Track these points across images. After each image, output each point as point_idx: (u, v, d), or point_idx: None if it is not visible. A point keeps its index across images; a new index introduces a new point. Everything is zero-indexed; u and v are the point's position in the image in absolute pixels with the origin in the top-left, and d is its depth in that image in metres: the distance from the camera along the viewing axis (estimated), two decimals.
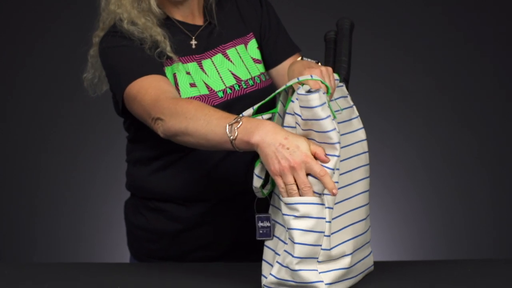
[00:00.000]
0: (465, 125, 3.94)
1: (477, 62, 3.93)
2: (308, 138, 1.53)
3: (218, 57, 1.94)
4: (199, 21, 1.97)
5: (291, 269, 1.49)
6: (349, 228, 1.58)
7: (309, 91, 1.52)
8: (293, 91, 1.58)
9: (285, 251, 1.51)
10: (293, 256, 1.49)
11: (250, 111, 1.61)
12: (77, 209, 3.91)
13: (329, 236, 1.51)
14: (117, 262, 2.06)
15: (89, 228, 3.87)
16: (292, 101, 1.55)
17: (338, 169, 1.52)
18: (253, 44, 2.00)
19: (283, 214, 1.50)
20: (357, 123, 1.66)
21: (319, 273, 1.50)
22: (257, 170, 1.59)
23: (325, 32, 1.92)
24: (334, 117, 1.54)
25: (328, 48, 1.86)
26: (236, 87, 1.92)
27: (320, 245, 1.50)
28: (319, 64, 1.78)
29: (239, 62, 1.96)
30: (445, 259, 2.59)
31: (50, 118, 3.91)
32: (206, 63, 1.93)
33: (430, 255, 3.83)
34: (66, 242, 3.90)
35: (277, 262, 1.52)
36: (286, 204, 1.50)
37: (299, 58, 1.91)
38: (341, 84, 1.68)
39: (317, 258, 1.50)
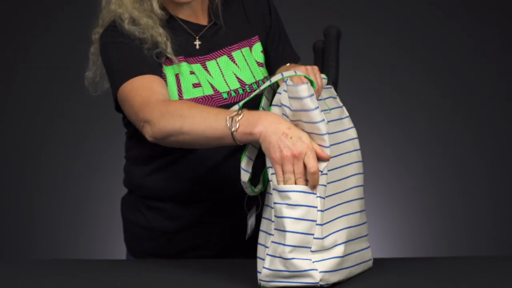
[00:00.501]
0: (466, 123, 3.94)
1: (478, 61, 3.94)
2: None
3: (224, 59, 1.93)
4: (202, 20, 1.95)
5: (284, 258, 1.50)
6: (342, 218, 1.59)
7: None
8: (278, 86, 1.60)
9: (272, 242, 1.52)
10: (284, 245, 1.50)
11: (235, 107, 1.62)
12: (76, 206, 3.91)
13: (321, 225, 1.51)
14: (117, 259, 2.06)
15: (89, 225, 3.88)
16: (279, 93, 1.57)
17: (326, 173, 1.54)
18: (257, 47, 1.98)
19: (275, 203, 1.51)
20: (348, 123, 1.68)
21: (313, 262, 1.51)
22: (243, 164, 1.61)
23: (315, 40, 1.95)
24: (330, 109, 1.58)
25: (317, 56, 1.90)
26: (240, 91, 1.91)
27: (312, 234, 1.51)
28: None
29: (244, 66, 1.94)
30: (445, 256, 2.59)
31: (49, 116, 3.91)
32: (211, 64, 1.92)
33: (430, 252, 3.83)
34: (65, 239, 3.90)
35: (267, 254, 1.53)
36: (279, 191, 1.51)
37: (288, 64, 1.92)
38: (329, 86, 1.71)
39: (310, 247, 1.51)
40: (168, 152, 1.89)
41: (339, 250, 1.55)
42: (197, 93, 1.87)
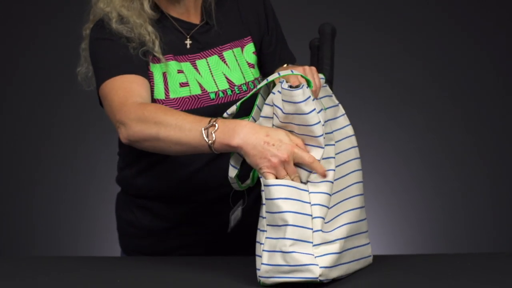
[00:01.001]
0: (466, 122, 3.94)
1: (479, 60, 3.93)
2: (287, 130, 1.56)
3: (214, 59, 1.91)
4: (194, 19, 1.93)
5: (284, 252, 1.50)
6: (343, 215, 1.60)
7: (291, 87, 1.55)
8: (274, 85, 1.61)
9: (267, 238, 1.52)
10: (285, 238, 1.50)
11: (233, 108, 1.63)
12: (76, 204, 3.91)
13: (320, 218, 1.52)
14: (116, 256, 2.06)
15: (88, 223, 3.87)
16: (273, 93, 1.57)
17: (334, 157, 1.57)
18: (249, 48, 1.96)
19: (267, 199, 1.52)
20: (344, 121, 1.69)
21: (315, 257, 1.51)
22: (232, 160, 1.62)
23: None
24: (325, 109, 1.59)
25: (313, 54, 1.90)
26: (229, 92, 1.89)
27: (311, 228, 1.51)
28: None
29: (235, 66, 1.92)
30: (445, 253, 2.60)
31: (48, 113, 3.91)
32: (201, 63, 1.90)
33: (430, 249, 3.83)
34: (65, 237, 3.90)
35: (263, 250, 1.53)
36: (266, 186, 1.52)
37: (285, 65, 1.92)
38: (324, 84, 1.72)
39: (311, 242, 1.51)
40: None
41: (337, 246, 1.56)
42: (184, 92, 1.86)
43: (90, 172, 3.89)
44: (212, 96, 1.87)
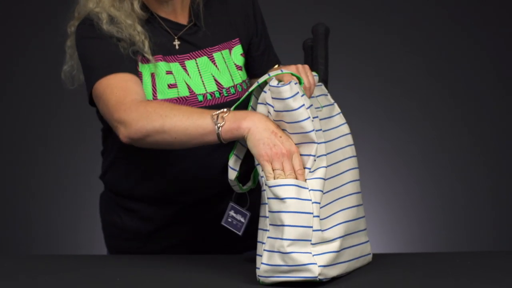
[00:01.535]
0: (466, 120, 3.94)
1: (479, 59, 3.93)
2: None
3: (203, 60, 1.90)
4: (182, 19, 1.91)
5: (282, 252, 1.50)
6: (340, 213, 1.60)
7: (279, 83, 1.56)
8: (266, 84, 1.61)
9: (268, 237, 1.52)
10: (283, 239, 1.50)
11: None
12: (75, 202, 3.91)
13: (318, 216, 1.52)
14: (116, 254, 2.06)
15: (88, 221, 3.87)
16: (265, 92, 1.58)
17: (325, 154, 1.57)
18: (237, 49, 1.95)
19: (268, 198, 1.52)
20: (339, 119, 1.70)
21: (313, 255, 1.51)
22: (231, 162, 1.63)
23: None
24: (321, 107, 1.61)
25: (307, 55, 1.91)
26: (217, 94, 1.88)
27: (311, 227, 1.51)
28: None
29: (224, 68, 1.91)
30: (444, 251, 2.60)
31: (47, 112, 3.91)
32: (190, 64, 1.89)
33: (430, 248, 3.83)
34: (64, 235, 3.90)
35: (264, 250, 1.53)
36: (271, 187, 1.51)
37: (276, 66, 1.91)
38: (319, 83, 1.72)
39: (310, 240, 1.51)
40: (143, 150, 1.86)
41: (335, 245, 1.56)
42: (172, 94, 1.85)
43: (90, 171, 3.87)
44: (200, 98, 1.86)
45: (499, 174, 3.92)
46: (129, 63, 1.81)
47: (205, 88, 1.87)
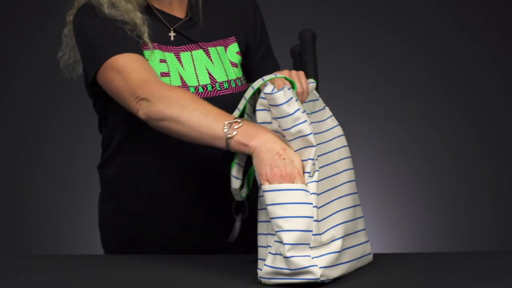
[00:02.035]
0: (467, 119, 3.94)
1: (479, 59, 3.94)
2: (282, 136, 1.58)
3: (199, 53, 1.90)
4: (177, 13, 1.92)
5: (284, 257, 1.50)
6: (338, 214, 1.60)
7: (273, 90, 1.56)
8: (261, 91, 1.62)
9: (275, 241, 1.52)
10: (283, 243, 1.50)
11: (235, 113, 1.63)
12: (75, 202, 3.91)
13: (317, 221, 1.52)
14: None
15: (88, 221, 3.87)
16: (262, 98, 1.58)
17: (317, 159, 1.56)
18: (233, 47, 1.95)
19: (267, 205, 1.52)
20: (332, 122, 1.70)
21: (312, 258, 1.51)
22: (234, 171, 1.63)
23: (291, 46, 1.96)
24: (310, 113, 1.62)
25: (295, 60, 1.92)
26: (209, 88, 1.88)
27: (311, 231, 1.51)
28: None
29: (218, 63, 1.91)
30: (445, 251, 2.60)
31: (48, 111, 3.91)
32: (185, 55, 1.89)
33: (430, 248, 3.83)
34: (64, 234, 3.90)
35: (269, 253, 1.53)
36: (268, 192, 1.52)
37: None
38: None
39: (309, 244, 1.51)
40: (138, 138, 1.85)
41: (336, 245, 1.56)
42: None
43: (90, 171, 3.87)
44: (192, 90, 1.86)
45: (499, 174, 3.92)
46: (138, 46, 1.81)
47: (198, 80, 1.87)
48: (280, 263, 1.51)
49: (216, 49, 1.92)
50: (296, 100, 1.56)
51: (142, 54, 1.81)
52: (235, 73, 1.93)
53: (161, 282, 1.62)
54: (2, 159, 3.93)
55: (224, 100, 1.84)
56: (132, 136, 1.87)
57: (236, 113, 1.63)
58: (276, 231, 1.51)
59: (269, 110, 1.58)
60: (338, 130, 1.70)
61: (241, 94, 1.74)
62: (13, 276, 1.68)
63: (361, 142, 3.80)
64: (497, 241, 3.86)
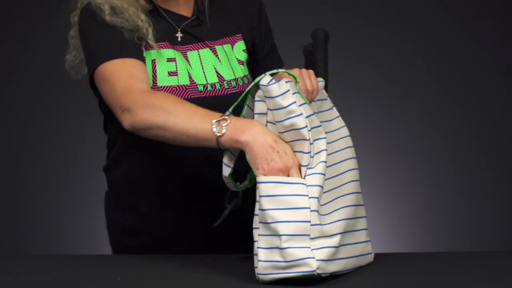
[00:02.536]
0: (467, 119, 3.94)
1: (479, 59, 3.94)
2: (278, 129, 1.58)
3: (206, 52, 1.90)
4: (184, 12, 1.93)
5: (280, 248, 1.50)
6: (341, 210, 1.61)
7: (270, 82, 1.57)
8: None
9: (260, 235, 1.52)
10: (279, 235, 1.50)
11: (227, 113, 1.63)
12: (75, 201, 3.91)
13: (317, 211, 1.52)
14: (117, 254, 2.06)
15: (88, 220, 3.87)
16: (260, 89, 1.59)
17: (325, 149, 1.56)
18: (240, 45, 1.96)
19: (260, 196, 1.52)
20: (338, 123, 1.71)
21: (312, 250, 1.51)
22: (225, 159, 1.63)
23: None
24: (318, 112, 1.62)
25: (307, 59, 1.92)
26: (218, 86, 1.88)
27: (309, 221, 1.51)
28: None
29: (226, 61, 1.92)
30: (445, 251, 2.60)
31: (48, 111, 3.91)
32: (192, 54, 1.89)
33: (431, 248, 3.83)
34: (64, 234, 3.90)
35: (258, 248, 1.53)
36: (263, 183, 1.52)
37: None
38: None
39: (309, 235, 1.51)
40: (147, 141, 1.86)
41: (335, 240, 1.56)
42: (172, 81, 1.85)
43: (90, 170, 3.88)
44: (200, 88, 1.86)
45: (499, 174, 3.92)
46: (135, 48, 1.82)
47: (206, 79, 1.88)
48: (276, 256, 1.51)
49: (223, 48, 1.93)
50: (294, 94, 1.56)
51: (140, 57, 1.81)
52: (242, 71, 1.94)
53: (161, 282, 1.62)
54: (2, 159, 3.93)
55: (231, 97, 1.83)
56: (138, 136, 1.87)
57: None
58: (269, 223, 1.51)
59: (264, 102, 1.58)
60: (344, 131, 1.70)
61: None
62: (13, 276, 1.68)
63: (361, 142, 3.79)
64: (497, 241, 3.86)
